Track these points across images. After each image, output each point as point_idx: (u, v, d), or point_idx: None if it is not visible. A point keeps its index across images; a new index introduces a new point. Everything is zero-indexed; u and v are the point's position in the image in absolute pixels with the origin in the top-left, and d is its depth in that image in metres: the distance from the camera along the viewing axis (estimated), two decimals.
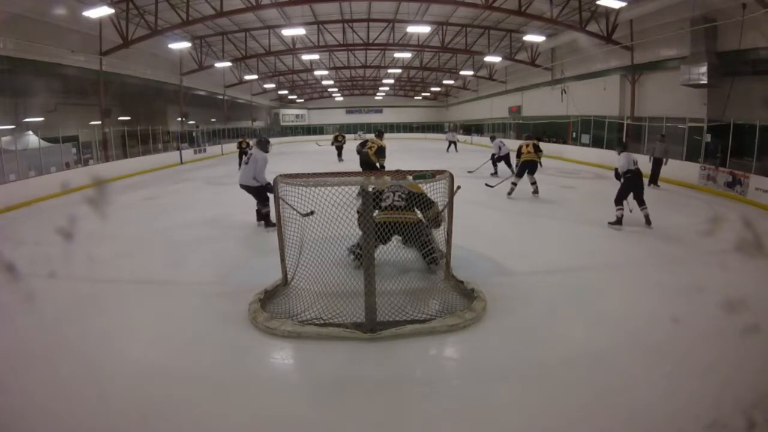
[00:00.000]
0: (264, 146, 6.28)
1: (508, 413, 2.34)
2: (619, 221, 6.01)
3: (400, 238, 4.31)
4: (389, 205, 4.33)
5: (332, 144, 16.94)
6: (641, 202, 6.05)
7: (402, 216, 4.21)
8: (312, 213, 3.65)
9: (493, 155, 11.57)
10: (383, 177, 3.94)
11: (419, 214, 4.28)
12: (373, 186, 3.81)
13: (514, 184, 8.38)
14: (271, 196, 4.96)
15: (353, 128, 31.04)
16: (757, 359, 2.61)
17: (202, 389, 2.55)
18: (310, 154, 20.32)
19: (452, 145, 20.62)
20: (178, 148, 17.88)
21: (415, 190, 4.20)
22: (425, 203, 4.15)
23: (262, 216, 6.25)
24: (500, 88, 24.69)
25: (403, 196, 4.34)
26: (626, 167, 5.98)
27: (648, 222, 5.99)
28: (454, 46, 19.63)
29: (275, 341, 3.08)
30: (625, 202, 6.04)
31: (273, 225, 5.06)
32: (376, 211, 4.18)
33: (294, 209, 3.63)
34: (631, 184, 5.98)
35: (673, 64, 12.09)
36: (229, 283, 4.23)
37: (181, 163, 17.48)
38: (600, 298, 3.84)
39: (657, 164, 9.65)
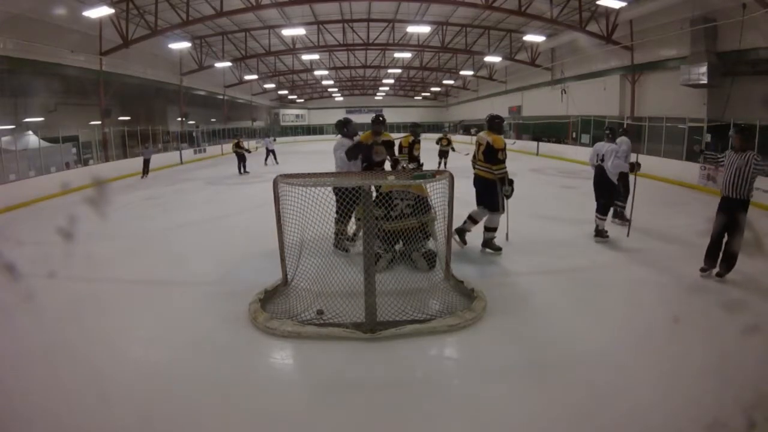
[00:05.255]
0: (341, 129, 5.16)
1: (508, 413, 2.34)
2: None
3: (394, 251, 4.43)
4: (398, 215, 4.45)
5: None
6: None
7: (409, 223, 4.37)
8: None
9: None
10: (386, 177, 3.95)
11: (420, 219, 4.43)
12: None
13: None
14: None
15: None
16: (757, 359, 2.61)
17: (202, 389, 2.55)
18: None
19: None
20: (178, 149, 17.88)
21: (422, 194, 4.35)
22: (425, 208, 4.32)
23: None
24: (500, 88, 24.66)
25: (411, 203, 4.44)
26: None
27: None
28: (454, 46, 19.62)
29: (275, 341, 3.08)
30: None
31: None
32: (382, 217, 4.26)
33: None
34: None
35: (673, 64, 12.08)
36: (229, 283, 4.22)
37: (181, 163, 17.49)
38: (600, 298, 3.84)
39: None
